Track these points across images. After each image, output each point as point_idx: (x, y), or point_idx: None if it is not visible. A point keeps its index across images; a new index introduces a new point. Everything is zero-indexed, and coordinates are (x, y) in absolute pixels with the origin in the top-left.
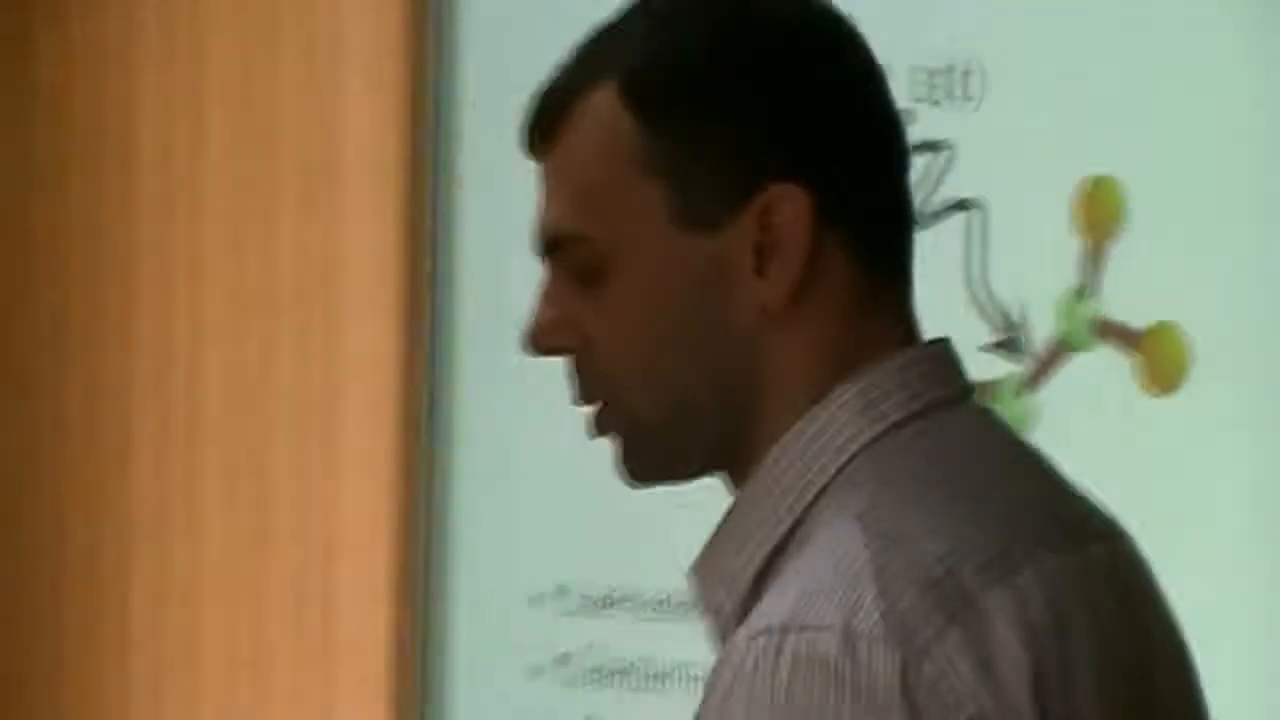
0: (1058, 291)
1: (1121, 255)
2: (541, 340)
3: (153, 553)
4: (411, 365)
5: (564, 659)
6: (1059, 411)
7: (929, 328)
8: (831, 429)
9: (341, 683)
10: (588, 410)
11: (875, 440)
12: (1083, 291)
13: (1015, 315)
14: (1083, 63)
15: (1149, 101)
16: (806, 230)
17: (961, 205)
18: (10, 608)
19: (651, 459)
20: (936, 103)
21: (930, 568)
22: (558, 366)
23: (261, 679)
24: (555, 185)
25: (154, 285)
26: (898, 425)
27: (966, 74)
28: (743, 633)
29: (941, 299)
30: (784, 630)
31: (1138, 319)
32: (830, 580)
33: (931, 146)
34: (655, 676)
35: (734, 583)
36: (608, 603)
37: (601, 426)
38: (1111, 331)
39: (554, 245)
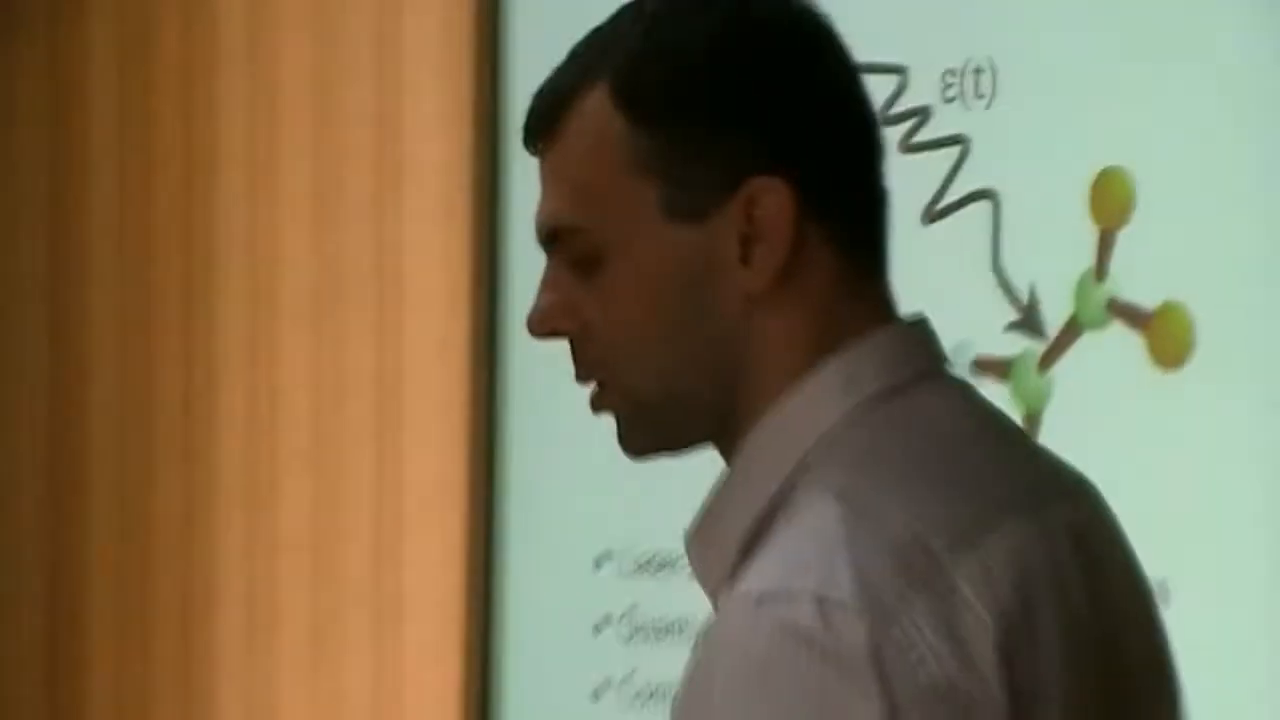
0: (1071, 274)
1: (1131, 240)
2: (542, 325)
3: (239, 521)
4: (475, 348)
5: (616, 617)
6: (1073, 385)
7: (953, 310)
8: (813, 405)
9: (411, 642)
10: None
11: (854, 415)
12: (1095, 274)
13: (1032, 297)
14: (1092, 60)
15: (1156, 96)
16: (789, 221)
17: (980, 196)
18: (108, 570)
19: (647, 434)
20: (954, 100)
21: (900, 539)
22: None
23: (337, 639)
24: (553, 181)
25: (239, 275)
26: (875, 401)
27: (981, 73)
28: (726, 602)
29: (964, 283)
30: (762, 599)
31: (1146, 300)
32: (806, 552)
33: (951, 141)
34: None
35: (724, 549)
36: (656, 565)
37: (600, 404)
38: (1121, 311)
39: (553, 237)
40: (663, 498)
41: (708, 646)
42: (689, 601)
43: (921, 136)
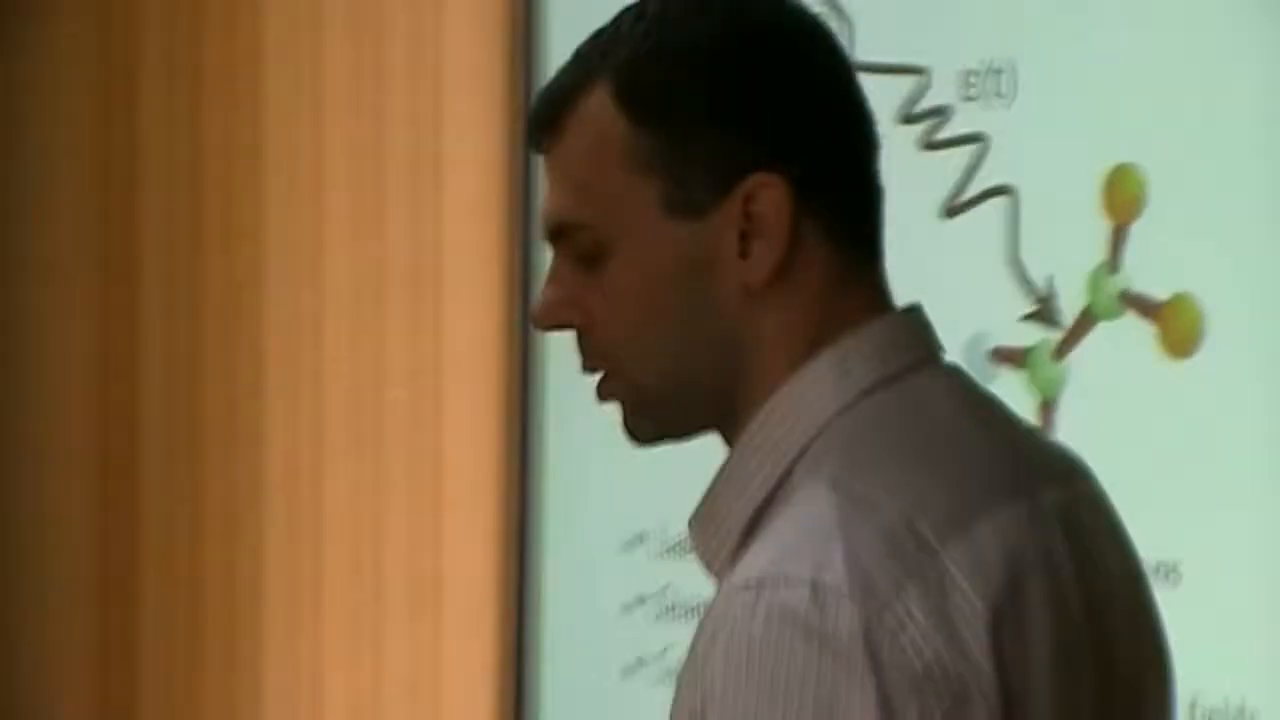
0: (1086, 267)
1: (1142, 234)
2: (546, 318)
3: (284, 507)
4: (510, 338)
5: (648, 597)
6: (1087, 373)
7: (973, 301)
8: (810, 394)
9: (449, 621)
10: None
11: (849, 404)
12: (1108, 267)
13: (1048, 289)
14: (1105, 62)
15: (1166, 96)
16: (785, 216)
17: (998, 191)
18: (158, 556)
19: (649, 422)
20: (974, 100)
21: (893, 525)
22: None
23: (378, 619)
24: (558, 178)
25: (284, 269)
26: (870, 389)
27: (1000, 74)
28: (726, 585)
29: (983, 275)
30: (760, 585)
31: (1157, 291)
32: (802, 539)
33: (970, 139)
34: None
35: (725, 534)
36: (686, 547)
37: (605, 393)
38: (1134, 302)
39: (558, 232)
40: (694, 482)
41: (708, 628)
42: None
43: (942, 134)
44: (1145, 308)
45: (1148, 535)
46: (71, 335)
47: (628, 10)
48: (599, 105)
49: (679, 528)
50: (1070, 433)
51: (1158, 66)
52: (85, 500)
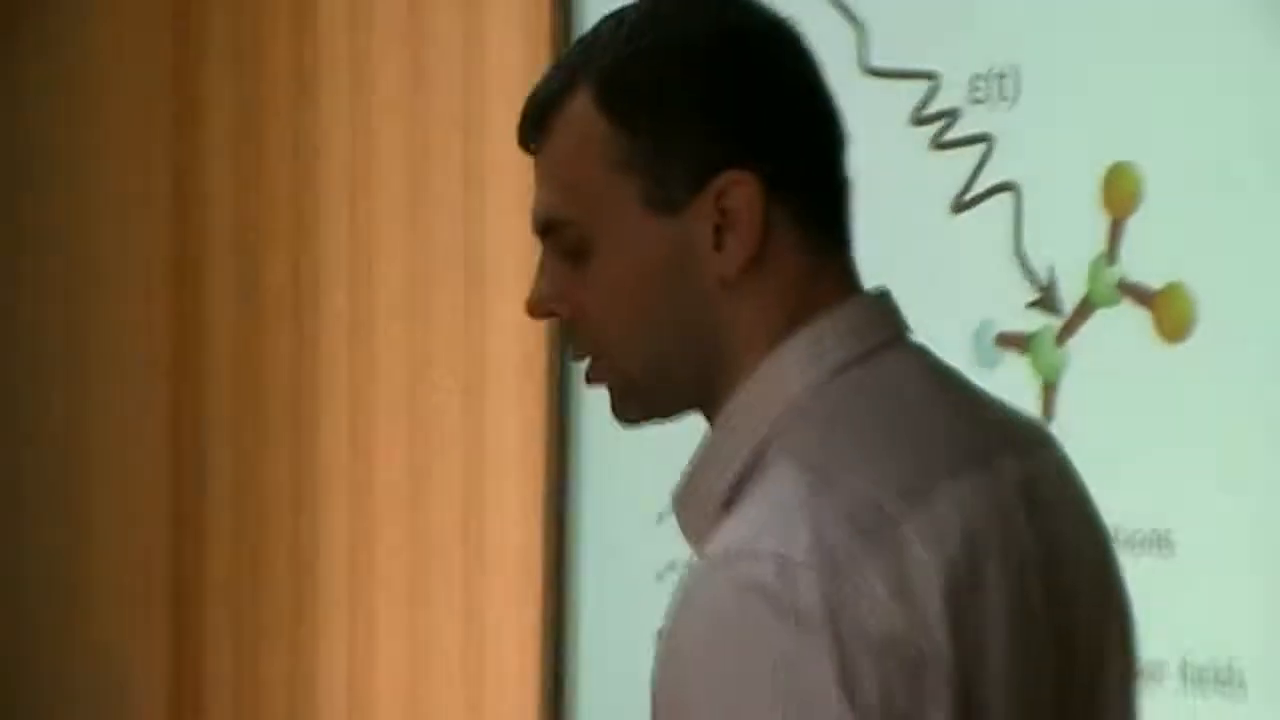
0: (1085, 258)
1: (1139, 228)
2: (537, 308)
3: (341, 483)
4: (551, 325)
5: (679, 564)
6: (1087, 358)
7: (979, 290)
8: (782, 375)
9: (495, 588)
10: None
11: (820, 383)
12: (1106, 258)
13: (1050, 278)
14: (1105, 65)
15: (1162, 98)
16: (757, 210)
17: (1003, 188)
18: (225, 529)
19: (635, 405)
20: (981, 102)
21: (856, 499)
22: None
23: (428, 586)
24: (545, 177)
25: (341, 263)
26: (840, 368)
27: (1005, 77)
28: (698, 559)
29: (989, 266)
30: (729, 558)
31: (1152, 280)
32: (770, 514)
33: (977, 139)
34: None
35: (704, 509)
36: None
37: (594, 378)
38: (1130, 291)
39: (546, 228)
40: None
41: (681, 600)
42: None
43: (951, 135)
44: (1141, 296)
45: (1142, 506)
46: (141, 334)
47: (610, 17)
48: (582, 108)
49: None
50: (1071, 413)
51: (1154, 68)
52: (160, 489)
